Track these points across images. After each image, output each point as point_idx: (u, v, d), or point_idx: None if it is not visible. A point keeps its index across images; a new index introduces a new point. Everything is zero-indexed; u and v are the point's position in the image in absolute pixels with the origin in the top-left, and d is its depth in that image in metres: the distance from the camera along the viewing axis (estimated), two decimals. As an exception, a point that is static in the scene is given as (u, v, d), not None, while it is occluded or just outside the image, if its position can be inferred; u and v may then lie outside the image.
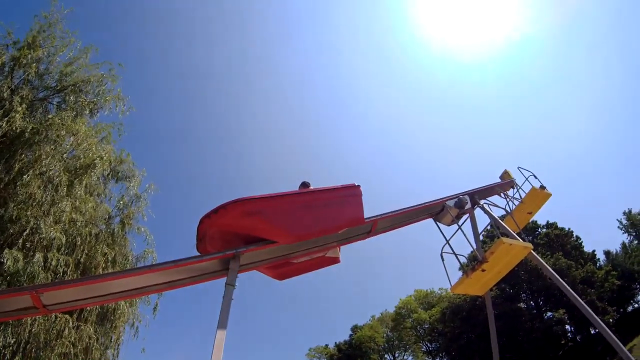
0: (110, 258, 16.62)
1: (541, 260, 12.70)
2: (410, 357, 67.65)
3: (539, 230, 54.97)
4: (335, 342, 73.05)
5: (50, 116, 16.66)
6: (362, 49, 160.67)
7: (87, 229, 16.41)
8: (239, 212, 7.57)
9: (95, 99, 18.47)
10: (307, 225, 8.03)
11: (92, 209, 17.28)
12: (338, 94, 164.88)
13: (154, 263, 14.97)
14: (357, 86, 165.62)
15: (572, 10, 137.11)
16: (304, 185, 9.32)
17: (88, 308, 15.49)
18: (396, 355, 67.43)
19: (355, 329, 72.06)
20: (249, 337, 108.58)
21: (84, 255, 15.76)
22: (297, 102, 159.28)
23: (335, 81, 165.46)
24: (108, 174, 19.09)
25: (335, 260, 9.99)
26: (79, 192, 16.40)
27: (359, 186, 8.96)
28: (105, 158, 17.96)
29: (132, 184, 19.50)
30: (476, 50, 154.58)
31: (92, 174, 17.28)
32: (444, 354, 57.32)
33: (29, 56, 16.76)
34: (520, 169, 16.09)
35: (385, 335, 68.18)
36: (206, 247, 7.70)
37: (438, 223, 12.17)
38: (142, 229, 19.16)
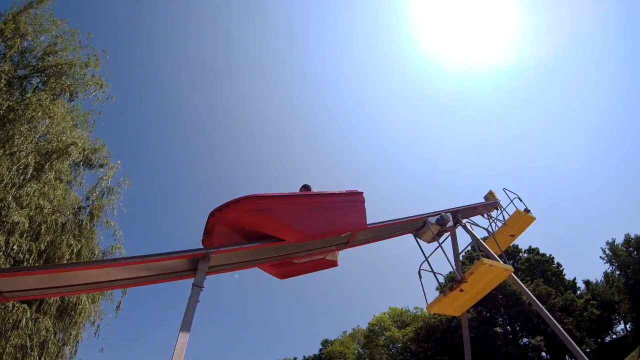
0: (75, 250, 16.16)
1: (521, 283, 12.74)
2: (381, 377, 67.49)
3: (520, 254, 55.57)
4: (304, 356, 72.94)
5: (28, 95, 16.38)
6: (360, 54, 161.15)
7: (53, 217, 16.00)
8: (250, 207, 7.87)
9: (75, 83, 18.22)
10: (314, 227, 8.37)
11: (61, 196, 16.91)
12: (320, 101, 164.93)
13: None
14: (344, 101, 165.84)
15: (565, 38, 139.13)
16: (305, 187, 9.71)
17: (48, 300, 15.13)
18: (366, 373, 66.97)
19: (325, 343, 71.85)
20: (214, 346, 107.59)
21: (48, 245, 15.38)
22: (283, 100, 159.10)
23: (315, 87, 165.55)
24: (81, 162, 18.69)
25: (333, 264, 10.37)
26: (48, 177, 16.06)
27: (362, 193, 9.46)
28: (80, 144, 17.63)
29: (105, 176, 19.12)
30: (477, 68, 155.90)
31: (65, 159, 16.98)
32: (416, 374, 57.00)
33: (14, 30, 16.53)
34: (506, 191, 16.19)
35: (356, 351, 67.95)
36: (212, 242, 7.89)
37: (418, 239, 12.13)
38: (112, 223, 18.72)
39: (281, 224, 7.95)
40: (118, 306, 18.10)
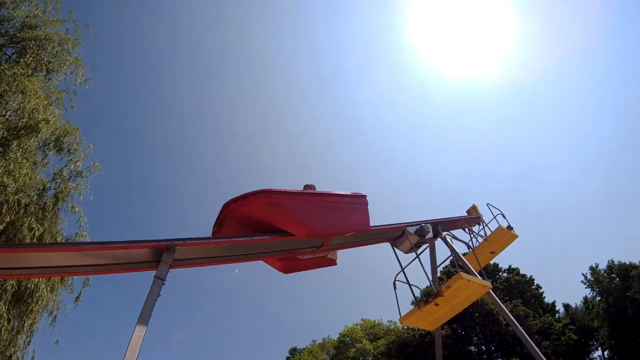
0: (37, 234, 15.78)
1: (499, 302, 12.77)
2: (349, 390, 67.42)
3: (500, 273, 55.92)
4: (271, 363, 72.72)
5: (2, 67, 16.08)
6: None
7: (16, 196, 15.67)
8: (265, 201, 8.48)
9: (53, 60, 17.94)
10: (322, 224, 9.13)
11: (27, 176, 16.51)
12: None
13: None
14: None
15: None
16: (309, 187, 10.13)
17: (4, 285, 14.84)
18: (334, 385, 66.79)
19: (293, 351, 71.63)
20: (172, 350, 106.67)
21: (8, 225, 15.08)
22: (257, 87, 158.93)
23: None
24: (50, 143, 18.17)
25: (333, 263, 11.11)
26: (15, 155, 15.74)
27: (366, 196, 10.35)
28: (51, 123, 17.31)
29: (75, 158, 18.65)
30: (470, 80, 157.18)
31: (34, 138, 16.64)
32: (384, 390, 56.99)
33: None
34: (490, 206, 16.26)
35: (325, 362, 67.73)
36: (223, 234, 8.56)
37: (395, 249, 12.12)
38: (77, 208, 18.33)
39: (294, 219, 8.60)
40: (78, 297, 17.78)
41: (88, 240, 18.08)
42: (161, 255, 6.73)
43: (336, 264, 11.17)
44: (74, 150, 18.67)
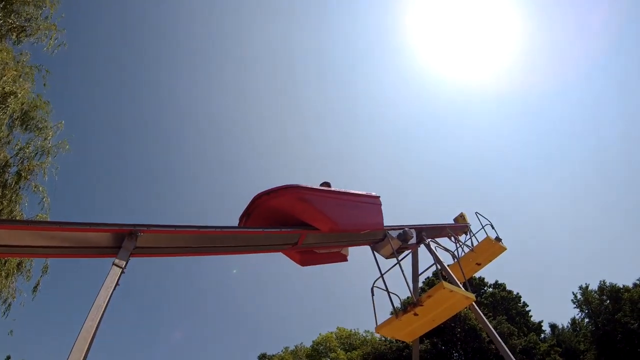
0: (-5, 213, 15.56)
1: (483, 316, 12.73)
2: (319, 401, 67.35)
3: (485, 288, 56.18)
4: (239, 369, 72.40)
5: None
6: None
7: (-25, 172, 15.32)
8: (295, 196, 9.51)
9: (26, 24, 17.54)
10: (344, 221, 10.12)
11: (-10, 152, 16.23)
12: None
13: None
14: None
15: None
16: (326, 184, 11.11)
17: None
18: (304, 395, 66.68)
19: (263, 357, 71.32)
20: (134, 352, 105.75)
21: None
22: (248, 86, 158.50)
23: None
24: (17, 118, 17.77)
25: (344, 258, 12.13)
26: (-21, 130, 15.37)
27: (379, 197, 11.46)
28: (20, 96, 16.97)
29: (42, 134, 18.29)
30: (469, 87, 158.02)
31: (1, 111, 16.26)
32: (356, 403, 56.89)
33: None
34: (478, 215, 16.20)
35: (296, 371, 67.50)
36: (250, 223, 9.60)
37: (376, 253, 12.02)
38: (41, 188, 17.99)
39: (320, 214, 9.62)
40: (36, 286, 17.54)
41: None
42: (122, 242, 6.57)
43: (347, 260, 12.12)
44: (43, 126, 18.32)
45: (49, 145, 18.33)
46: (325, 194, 10.07)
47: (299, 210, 9.61)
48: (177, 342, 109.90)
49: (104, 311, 5.71)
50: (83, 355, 5.18)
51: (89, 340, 5.33)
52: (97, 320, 5.55)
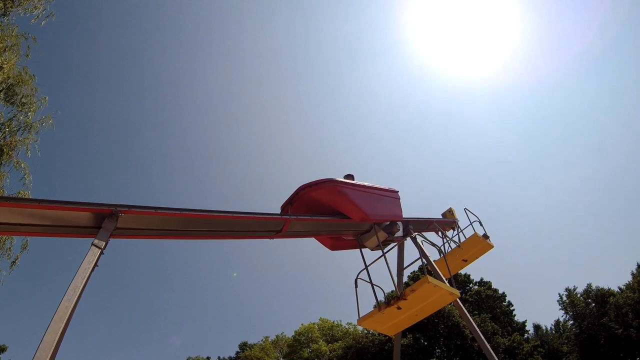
0: (-25, 189, 15.38)
1: (465, 311, 12.79)
2: (300, 392, 67.50)
3: (471, 285, 56.54)
4: (219, 357, 72.29)
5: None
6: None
7: (-47, 146, 15.13)
8: (333, 188, 10.90)
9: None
10: (372, 211, 11.55)
11: (-31, 127, 16.01)
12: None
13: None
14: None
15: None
16: (349, 177, 12.09)
17: None
18: (284, 385, 66.99)
19: (244, 346, 71.33)
20: (111, 335, 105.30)
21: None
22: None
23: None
24: (2, 90, 17.51)
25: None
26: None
27: (398, 191, 12.98)
28: (6, 70, 16.74)
29: (26, 109, 18.00)
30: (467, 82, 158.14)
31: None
32: (337, 396, 57.09)
33: None
34: (467, 211, 16.24)
35: (276, 361, 67.64)
36: (292, 211, 10.72)
37: (361, 244, 12.07)
38: (23, 165, 17.78)
39: (354, 205, 11.05)
40: (14, 262, 17.43)
41: None
42: (103, 222, 6.54)
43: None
44: (27, 102, 18.05)
45: (32, 121, 18.11)
46: (358, 188, 11.40)
47: (336, 201, 10.99)
48: (160, 334, 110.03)
49: (80, 292, 5.70)
50: (58, 336, 5.14)
51: (64, 321, 5.30)
52: (74, 302, 5.52)
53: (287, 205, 11.02)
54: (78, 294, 5.63)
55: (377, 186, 12.18)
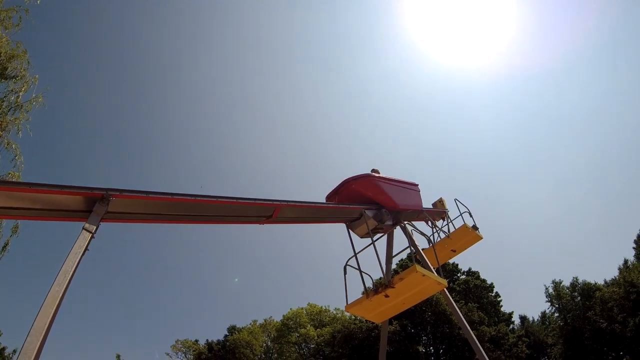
0: (-38, 169, 15.19)
1: (452, 301, 12.96)
2: (287, 376, 67.79)
3: (459, 274, 56.85)
4: (207, 340, 72.20)
5: None
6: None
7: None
8: (371, 182, 13.04)
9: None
10: (400, 201, 13.49)
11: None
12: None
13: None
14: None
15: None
16: (375, 171, 13.68)
17: None
18: (272, 369, 67.20)
19: (232, 330, 71.27)
20: (103, 315, 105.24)
21: None
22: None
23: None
24: None
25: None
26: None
27: (418, 184, 15.13)
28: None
29: (17, 88, 17.72)
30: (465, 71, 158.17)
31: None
32: (324, 380, 57.79)
33: None
34: (457, 202, 16.37)
35: (264, 344, 67.87)
36: (337, 200, 12.86)
37: (351, 231, 12.18)
38: (14, 145, 17.51)
39: (387, 196, 13.11)
40: (5, 246, 17.28)
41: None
42: (94, 206, 6.56)
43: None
44: (20, 77, 17.78)
45: (23, 101, 17.84)
46: (390, 181, 13.55)
47: (373, 192, 12.94)
48: (149, 318, 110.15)
49: (71, 276, 5.71)
50: (49, 320, 5.19)
51: (55, 305, 5.35)
52: (65, 285, 5.56)
53: (333, 195, 13.06)
54: (69, 278, 5.65)
55: (403, 180, 14.26)
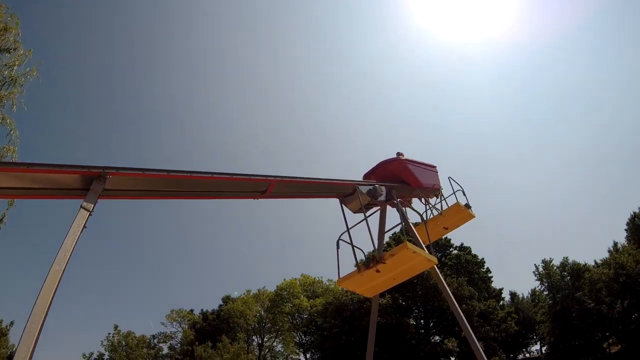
0: (-42, 145, 14.97)
1: (442, 278, 13.18)
2: (280, 346, 69.00)
3: (451, 249, 57.29)
4: (202, 309, 72.74)
5: None
6: None
7: None
8: (402, 164, 15.03)
9: None
10: (423, 181, 15.39)
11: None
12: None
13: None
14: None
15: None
16: (399, 154, 15.47)
17: None
18: (265, 339, 68.12)
19: (227, 300, 71.69)
20: (98, 291, 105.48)
21: None
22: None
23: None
24: None
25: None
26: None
27: (436, 166, 16.90)
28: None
29: (10, 62, 17.45)
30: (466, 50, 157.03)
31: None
32: (316, 350, 58.73)
33: None
34: (451, 180, 16.50)
35: (258, 314, 68.47)
36: (373, 179, 14.51)
37: (344, 206, 12.31)
38: (8, 120, 17.40)
39: (414, 176, 15.02)
40: (1, 219, 17.29)
41: (16, 156, 17.31)
42: (91, 184, 6.64)
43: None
44: (14, 48, 17.61)
45: (13, 73, 17.60)
46: (416, 164, 15.51)
47: (403, 173, 14.90)
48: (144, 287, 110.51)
49: (70, 254, 5.82)
50: (50, 299, 5.32)
51: (55, 284, 5.49)
52: (64, 264, 5.67)
53: (370, 174, 15.03)
54: (68, 256, 5.76)
55: (425, 162, 16.16)
